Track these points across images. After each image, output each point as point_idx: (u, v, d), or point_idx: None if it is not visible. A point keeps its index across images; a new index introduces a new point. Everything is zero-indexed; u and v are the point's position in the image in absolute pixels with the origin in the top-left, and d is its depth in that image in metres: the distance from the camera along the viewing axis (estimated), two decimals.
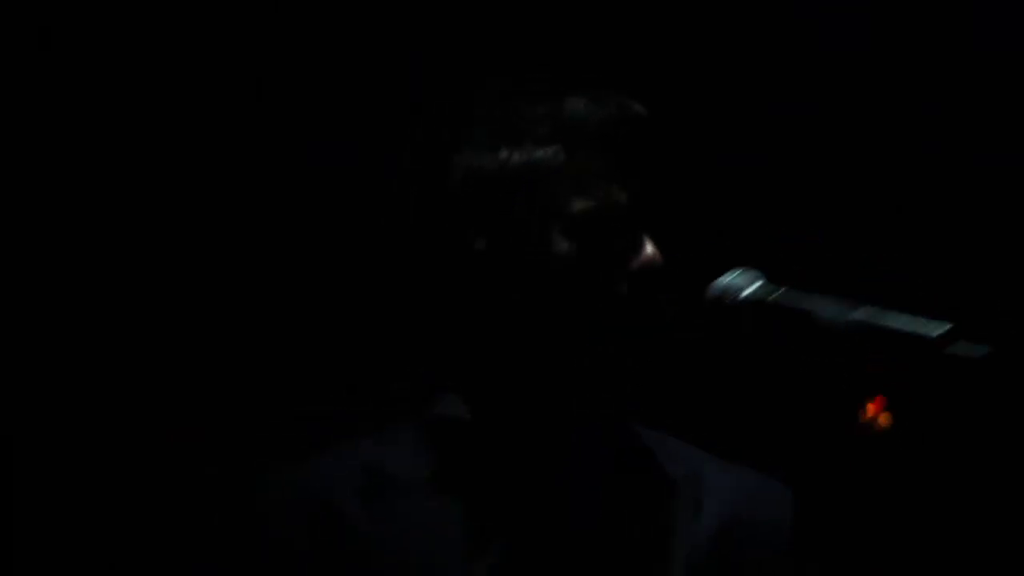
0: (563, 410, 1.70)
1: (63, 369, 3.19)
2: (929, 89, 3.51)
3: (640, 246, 1.68)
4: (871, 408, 3.87)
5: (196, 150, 3.25)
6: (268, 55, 3.24)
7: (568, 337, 1.67)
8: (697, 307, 1.66)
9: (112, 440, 3.21)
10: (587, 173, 1.69)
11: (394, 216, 1.80)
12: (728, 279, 1.65)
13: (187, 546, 3.16)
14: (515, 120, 1.74)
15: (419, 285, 1.79)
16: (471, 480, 1.69)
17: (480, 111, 1.78)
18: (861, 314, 1.53)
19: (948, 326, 1.48)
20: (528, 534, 1.67)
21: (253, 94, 3.25)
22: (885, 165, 3.64)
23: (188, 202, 3.27)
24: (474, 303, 1.71)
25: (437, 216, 1.76)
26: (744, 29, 3.46)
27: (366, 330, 3.32)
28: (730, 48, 3.48)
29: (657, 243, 1.69)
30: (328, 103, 3.29)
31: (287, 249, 3.34)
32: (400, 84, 3.29)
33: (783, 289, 1.61)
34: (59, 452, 3.18)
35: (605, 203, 1.68)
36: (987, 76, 3.47)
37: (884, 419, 3.87)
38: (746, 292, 1.63)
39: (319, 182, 3.32)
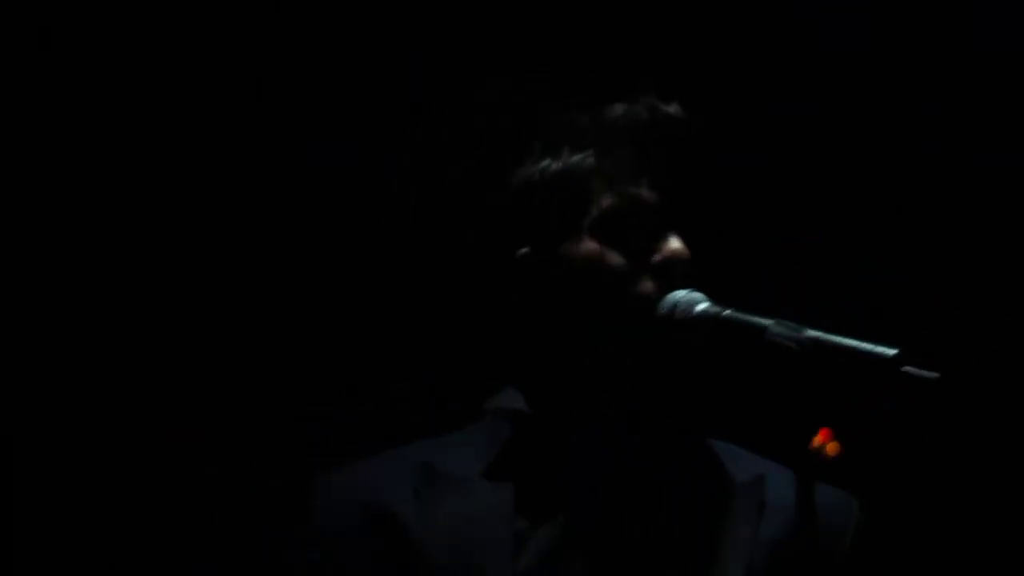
0: (611, 402, 1.72)
1: (63, 369, 3.19)
2: (929, 89, 3.51)
3: (665, 240, 1.70)
4: (819, 437, 3.89)
5: (196, 150, 3.25)
6: (268, 55, 3.24)
7: (602, 332, 1.69)
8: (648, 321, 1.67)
9: (112, 440, 3.21)
10: (616, 173, 1.72)
11: (394, 216, 1.82)
12: (679, 295, 1.66)
13: (187, 546, 3.16)
14: (558, 130, 1.78)
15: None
16: (524, 472, 1.71)
17: (535, 125, 1.83)
18: (817, 332, 1.52)
19: (897, 350, 1.48)
20: (579, 529, 1.68)
21: (253, 94, 3.25)
22: (883, 167, 3.64)
23: (188, 202, 3.26)
24: (521, 305, 1.75)
25: (487, 227, 1.81)
26: (744, 29, 3.46)
27: (366, 330, 3.32)
28: (730, 48, 3.48)
29: (686, 239, 1.71)
30: (328, 103, 3.29)
31: (287, 249, 3.34)
32: (400, 84, 3.29)
33: (730, 310, 1.62)
34: (59, 452, 3.18)
35: (631, 199, 1.70)
36: (987, 76, 3.47)
37: (832, 448, 3.89)
38: (699, 307, 1.64)
39: (319, 182, 3.32)
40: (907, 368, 1.47)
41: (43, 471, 3.17)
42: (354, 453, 1.87)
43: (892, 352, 1.48)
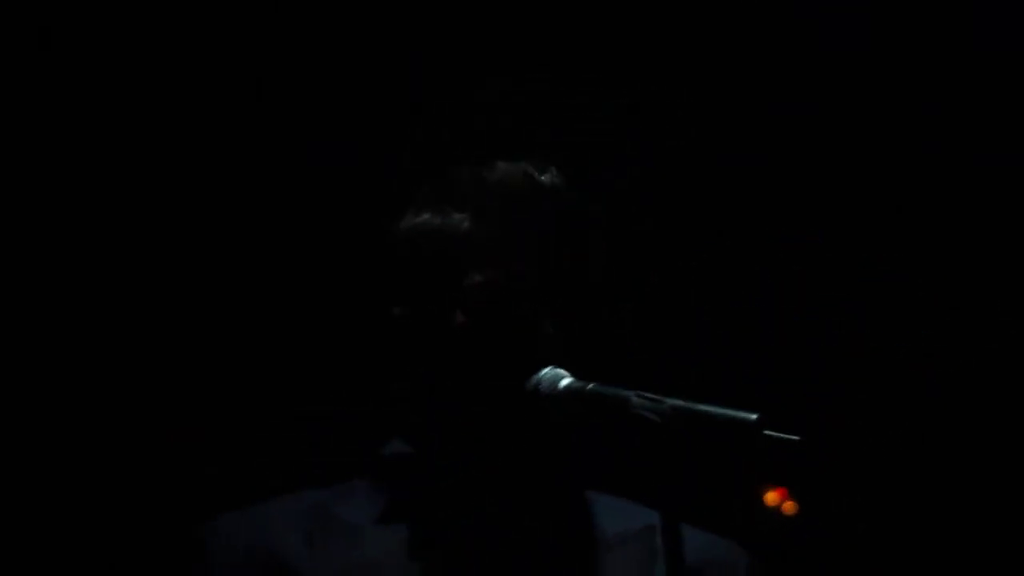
0: (478, 463, 1.72)
1: (64, 369, 3.20)
2: (929, 89, 3.51)
3: (536, 319, 1.68)
4: (774, 497, 3.93)
5: (196, 150, 3.26)
6: (268, 55, 3.25)
7: (466, 403, 1.69)
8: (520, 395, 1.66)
9: (112, 440, 3.22)
10: (490, 243, 1.69)
11: (394, 216, 1.81)
12: (543, 372, 1.65)
13: (185, 546, 3.16)
14: (444, 182, 1.75)
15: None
16: (414, 517, 1.71)
17: (430, 174, 1.80)
18: (679, 401, 1.53)
19: (757, 415, 1.48)
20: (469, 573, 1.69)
21: (253, 94, 3.25)
22: (883, 167, 3.64)
23: (188, 202, 3.27)
24: (394, 361, 1.75)
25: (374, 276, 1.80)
26: (744, 29, 3.46)
27: (366, 330, 3.32)
28: (730, 48, 3.48)
29: (560, 314, 1.69)
30: (328, 103, 3.30)
31: (288, 249, 3.34)
32: (400, 84, 3.30)
33: (592, 384, 1.61)
34: (59, 452, 3.19)
35: (502, 276, 1.68)
36: (987, 76, 3.47)
37: (788, 507, 3.93)
38: (564, 382, 1.63)
39: (319, 182, 3.33)
40: (768, 432, 1.47)
41: (43, 471, 3.18)
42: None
43: (753, 417, 1.48)
